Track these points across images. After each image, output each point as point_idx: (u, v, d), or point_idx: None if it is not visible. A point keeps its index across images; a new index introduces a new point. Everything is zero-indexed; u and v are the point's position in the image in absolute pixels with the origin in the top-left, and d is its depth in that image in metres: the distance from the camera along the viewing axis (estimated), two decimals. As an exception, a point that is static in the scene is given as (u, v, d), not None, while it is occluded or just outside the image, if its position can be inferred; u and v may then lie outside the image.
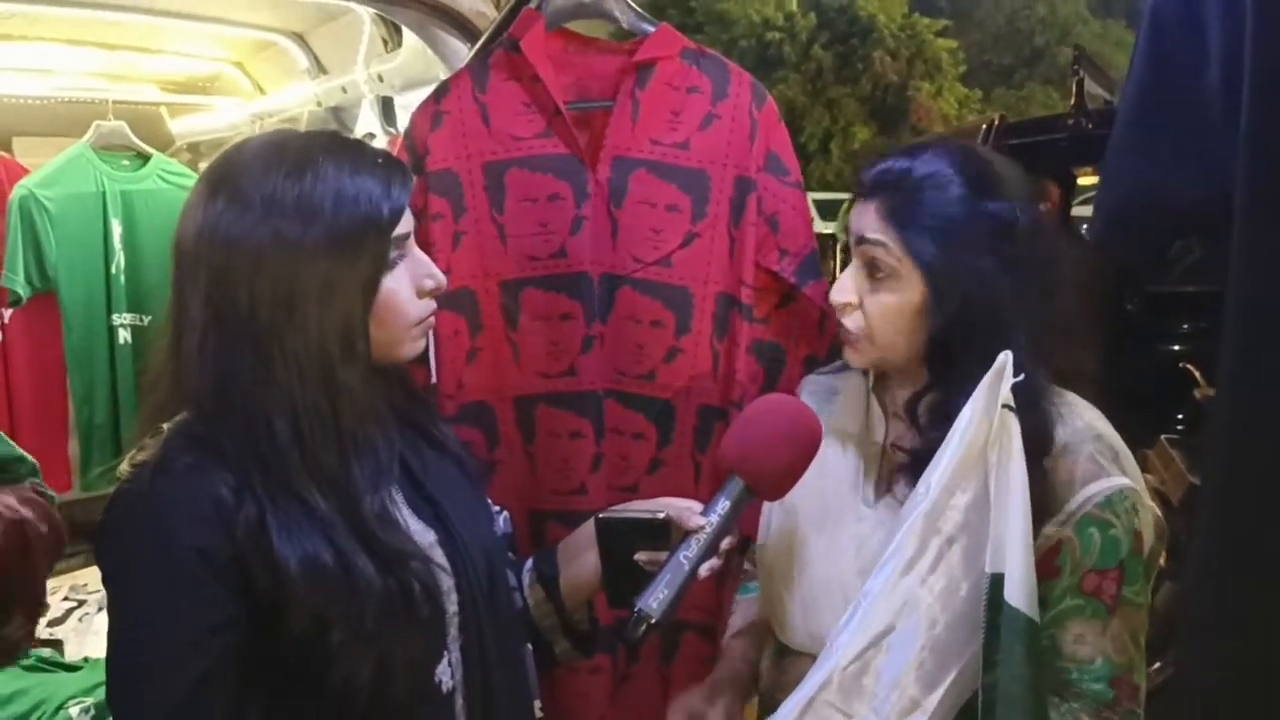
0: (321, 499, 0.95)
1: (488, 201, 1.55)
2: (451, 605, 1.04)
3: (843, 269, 1.23)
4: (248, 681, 0.93)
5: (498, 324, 1.57)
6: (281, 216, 0.95)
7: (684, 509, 1.13)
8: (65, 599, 2.88)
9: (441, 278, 1.07)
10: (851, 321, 1.20)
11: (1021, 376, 1.01)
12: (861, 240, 1.17)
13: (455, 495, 1.12)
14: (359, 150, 1.03)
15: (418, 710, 1.01)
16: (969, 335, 1.11)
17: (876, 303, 1.17)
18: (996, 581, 0.98)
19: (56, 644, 2.57)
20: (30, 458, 1.67)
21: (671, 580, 1.07)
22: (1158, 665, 1.13)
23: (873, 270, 1.17)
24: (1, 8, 2.37)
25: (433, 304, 1.08)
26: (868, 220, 1.17)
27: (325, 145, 1.01)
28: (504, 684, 1.09)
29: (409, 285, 1.04)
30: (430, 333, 1.13)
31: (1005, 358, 1.02)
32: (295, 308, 0.95)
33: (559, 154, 1.55)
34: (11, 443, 1.67)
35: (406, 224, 1.03)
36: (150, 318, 2.96)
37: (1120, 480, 1.09)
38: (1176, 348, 3.09)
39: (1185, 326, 3.16)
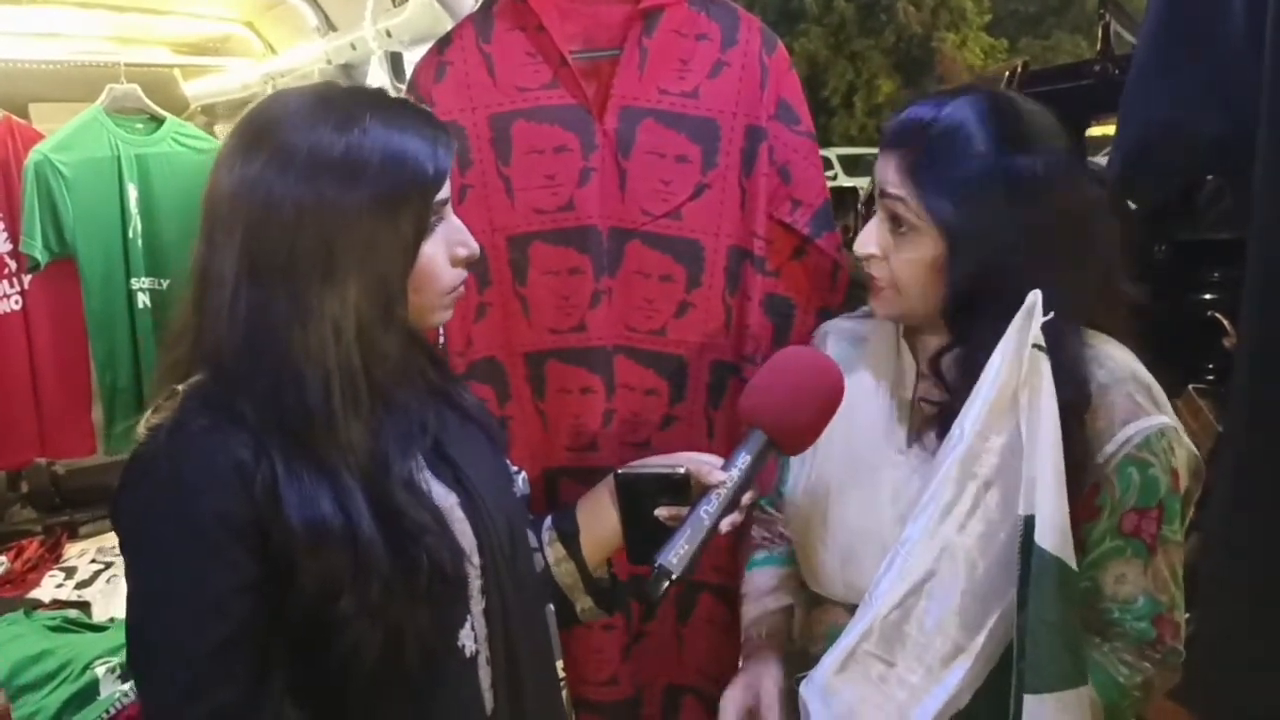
0: (341, 463, 0.93)
1: (494, 154, 1.52)
2: (473, 569, 1.03)
3: (865, 223, 1.20)
4: (272, 645, 0.91)
5: (506, 279, 1.55)
6: (328, 171, 0.92)
7: (704, 463, 1.12)
8: (93, 561, 2.91)
9: (475, 247, 1.05)
10: (877, 270, 1.18)
11: (1051, 315, 0.99)
12: (883, 193, 1.16)
13: (476, 458, 1.10)
14: (404, 108, 1.00)
15: (442, 675, 1.00)
16: (987, 294, 1.09)
17: (899, 256, 1.15)
18: (1029, 524, 0.98)
19: (84, 605, 2.61)
20: None
21: (692, 535, 1.05)
22: (1188, 616, 1.11)
23: (895, 224, 1.16)
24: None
25: (464, 273, 1.05)
26: (889, 173, 1.15)
27: (371, 101, 0.98)
28: (527, 645, 1.08)
29: (444, 252, 1.02)
30: None
31: (1035, 297, 1.00)
32: (335, 266, 0.92)
33: (565, 104, 1.52)
34: None
35: (446, 188, 1.00)
36: (169, 281, 2.94)
37: (1158, 419, 1.08)
38: (1206, 296, 3.03)
39: (1216, 275, 3.10)
